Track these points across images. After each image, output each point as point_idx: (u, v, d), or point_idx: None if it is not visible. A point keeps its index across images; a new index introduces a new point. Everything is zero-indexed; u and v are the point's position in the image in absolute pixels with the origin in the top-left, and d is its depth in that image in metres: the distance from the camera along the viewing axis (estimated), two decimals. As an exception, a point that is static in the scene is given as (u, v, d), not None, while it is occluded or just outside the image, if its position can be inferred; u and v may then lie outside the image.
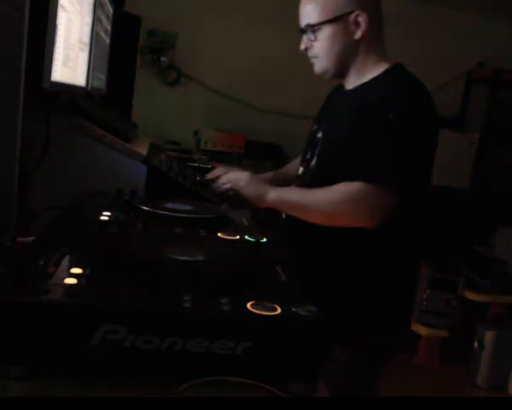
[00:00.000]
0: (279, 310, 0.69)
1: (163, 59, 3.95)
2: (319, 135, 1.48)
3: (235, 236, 1.01)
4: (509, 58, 4.12)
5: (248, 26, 3.87)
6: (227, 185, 1.44)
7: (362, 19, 1.36)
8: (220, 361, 0.66)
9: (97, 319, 0.63)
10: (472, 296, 3.34)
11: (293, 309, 0.70)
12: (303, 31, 1.43)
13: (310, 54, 1.44)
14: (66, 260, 0.77)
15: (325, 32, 1.38)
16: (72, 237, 0.88)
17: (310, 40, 1.42)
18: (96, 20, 1.67)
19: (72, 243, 0.84)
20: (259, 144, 3.90)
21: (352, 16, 1.36)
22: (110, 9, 2.08)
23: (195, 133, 3.96)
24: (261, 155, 3.84)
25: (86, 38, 1.60)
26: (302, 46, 1.45)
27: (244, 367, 0.67)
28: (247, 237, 1.02)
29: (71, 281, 0.69)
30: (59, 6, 1.18)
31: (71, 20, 1.34)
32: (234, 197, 1.43)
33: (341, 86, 1.51)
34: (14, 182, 1.00)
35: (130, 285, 0.70)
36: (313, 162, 1.47)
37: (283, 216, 1.55)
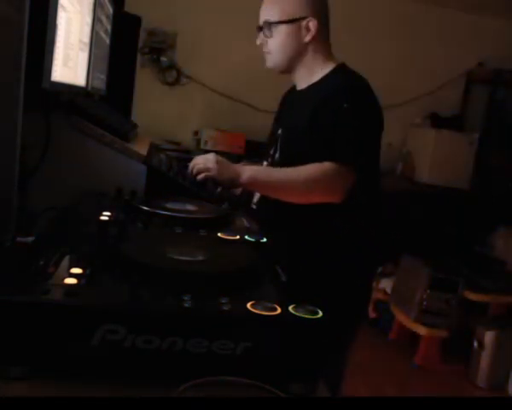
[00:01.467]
0: (279, 310, 0.69)
1: (163, 59, 3.95)
2: (279, 132, 1.66)
3: (235, 236, 1.01)
4: (508, 58, 4.13)
5: (248, 25, 3.86)
6: (200, 176, 1.47)
7: (312, 25, 1.54)
8: (220, 361, 0.66)
9: (97, 319, 0.63)
10: (472, 296, 3.34)
11: (293, 309, 0.70)
12: (260, 28, 1.60)
13: (264, 49, 1.62)
14: (66, 260, 0.77)
15: (280, 31, 1.56)
16: (72, 237, 0.88)
17: (266, 36, 1.59)
18: (96, 20, 1.67)
19: (72, 243, 0.84)
20: (259, 144, 3.90)
21: (305, 21, 1.54)
22: (110, 9, 2.08)
23: (195, 133, 3.96)
24: (261, 155, 3.84)
25: (86, 38, 1.60)
26: (258, 41, 1.63)
27: (244, 367, 0.67)
28: (247, 237, 1.02)
29: (71, 281, 0.69)
30: (59, 6, 1.18)
31: (71, 20, 1.34)
32: (210, 183, 1.50)
33: (294, 88, 1.71)
34: (14, 182, 1.00)
35: (130, 285, 0.70)
36: (277, 155, 1.64)
37: (254, 201, 1.68)
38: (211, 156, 1.50)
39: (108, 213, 1.03)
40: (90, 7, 1.62)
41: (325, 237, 1.53)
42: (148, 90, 3.74)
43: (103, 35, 1.94)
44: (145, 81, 3.68)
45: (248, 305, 0.69)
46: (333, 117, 1.47)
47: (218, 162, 1.47)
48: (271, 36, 1.57)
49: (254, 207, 1.69)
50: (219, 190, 1.56)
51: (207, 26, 3.93)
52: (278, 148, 1.64)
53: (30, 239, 0.98)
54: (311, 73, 1.60)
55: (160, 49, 3.93)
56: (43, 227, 0.97)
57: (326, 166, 1.45)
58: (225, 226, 1.10)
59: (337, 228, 1.54)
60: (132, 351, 0.64)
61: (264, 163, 1.72)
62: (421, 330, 3.32)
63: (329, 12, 1.62)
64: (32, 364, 0.64)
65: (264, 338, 0.67)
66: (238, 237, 1.01)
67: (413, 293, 3.34)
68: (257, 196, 1.69)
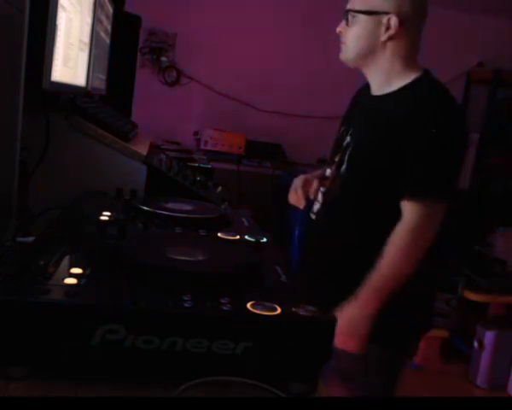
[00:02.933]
0: (279, 310, 0.69)
1: (163, 59, 3.95)
2: (348, 139, 1.51)
3: (235, 236, 1.01)
4: (508, 58, 4.13)
5: (248, 25, 3.87)
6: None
7: (393, 23, 1.40)
8: (220, 361, 0.66)
9: (97, 319, 0.63)
10: (472, 296, 3.34)
11: (293, 309, 0.70)
12: (344, 15, 1.48)
13: (342, 39, 1.50)
14: (66, 260, 0.77)
15: (358, 22, 1.43)
16: (72, 237, 0.88)
17: (345, 24, 1.47)
18: (95, 20, 1.67)
19: (72, 243, 0.84)
20: (259, 144, 3.90)
21: (386, 17, 1.40)
22: (110, 9, 2.08)
23: (195, 133, 3.96)
24: (261, 155, 3.84)
25: (86, 38, 1.60)
26: (338, 29, 1.50)
27: (244, 367, 0.67)
28: (247, 237, 1.02)
29: (71, 281, 0.69)
30: (59, 6, 1.18)
31: (71, 20, 1.34)
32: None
33: (367, 88, 1.54)
34: (14, 182, 1.00)
35: (130, 285, 0.70)
36: (343, 167, 1.49)
37: (314, 210, 1.59)
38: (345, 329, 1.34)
39: (108, 213, 1.03)
40: (90, 7, 1.62)
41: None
42: (148, 90, 3.74)
43: (103, 35, 1.94)
44: (145, 81, 3.68)
45: (248, 305, 0.69)
46: (417, 141, 1.34)
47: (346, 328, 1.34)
48: (349, 25, 1.45)
49: (313, 216, 1.59)
50: (219, 189, 1.56)
51: (207, 26, 3.93)
52: (346, 160, 1.48)
53: (30, 239, 0.98)
54: (386, 79, 1.46)
55: (160, 49, 3.93)
56: (43, 227, 0.97)
57: (414, 219, 1.34)
58: (225, 226, 1.09)
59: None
60: (132, 351, 0.64)
61: (328, 171, 1.57)
62: (421, 330, 3.32)
63: (426, 13, 1.46)
64: (32, 364, 0.64)
65: (264, 338, 0.67)
66: (238, 237, 1.01)
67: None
68: (317, 206, 1.59)
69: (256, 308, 0.68)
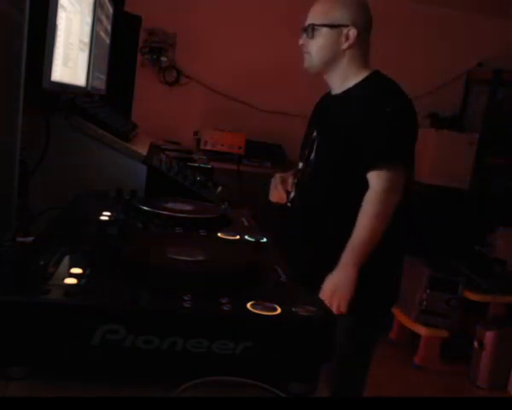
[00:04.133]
0: (279, 310, 0.69)
1: (163, 59, 3.95)
2: (315, 133, 1.73)
3: (235, 236, 1.01)
4: (508, 58, 4.13)
5: (248, 26, 3.87)
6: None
7: (352, 34, 1.64)
8: (220, 361, 0.66)
9: (97, 319, 0.63)
10: (472, 296, 3.34)
11: (293, 309, 0.70)
12: (305, 29, 1.70)
13: (304, 49, 1.71)
14: (66, 260, 0.77)
15: (321, 34, 1.66)
16: (72, 237, 0.88)
17: (308, 37, 1.68)
18: (95, 20, 1.67)
19: (72, 243, 0.84)
20: (259, 144, 3.90)
21: (346, 30, 1.64)
22: (110, 9, 2.08)
23: (195, 133, 3.96)
24: (261, 155, 3.84)
25: (86, 38, 1.60)
26: (300, 41, 1.72)
27: (244, 367, 0.67)
28: (247, 237, 1.02)
29: (71, 281, 0.69)
30: (59, 6, 1.18)
31: (71, 20, 1.34)
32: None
33: (328, 94, 1.79)
34: (14, 182, 1.00)
35: (130, 285, 0.70)
36: (312, 156, 1.71)
37: (288, 204, 1.78)
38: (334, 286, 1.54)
39: (108, 213, 1.03)
40: (90, 7, 1.62)
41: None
42: (148, 90, 3.74)
43: (103, 35, 1.94)
44: (145, 81, 3.68)
45: (248, 305, 0.69)
46: (375, 119, 1.56)
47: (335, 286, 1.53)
48: (313, 37, 1.67)
49: (289, 204, 1.78)
50: (219, 189, 1.57)
51: (207, 26, 3.93)
52: (314, 149, 1.71)
53: (30, 239, 0.98)
54: (344, 79, 1.68)
55: (160, 49, 3.93)
56: (43, 227, 0.97)
57: (380, 185, 1.53)
58: (225, 226, 1.09)
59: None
60: (132, 351, 0.64)
61: (300, 164, 1.80)
62: (421, 331, 3.32)
63: (372, 22, 1.72)
64: (32, 364, 0.64)
65: (264, 338, 0.67)
66: (238, 237, 1.01)
67: (413, 293, 3.34)
68: (292, 195, 1.78)
69: (256, 308, 0.68)
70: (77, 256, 0.80)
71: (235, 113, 4.03)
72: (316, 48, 1.67)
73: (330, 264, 1.55)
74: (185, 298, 0.68)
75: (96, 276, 0.72)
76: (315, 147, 1.71)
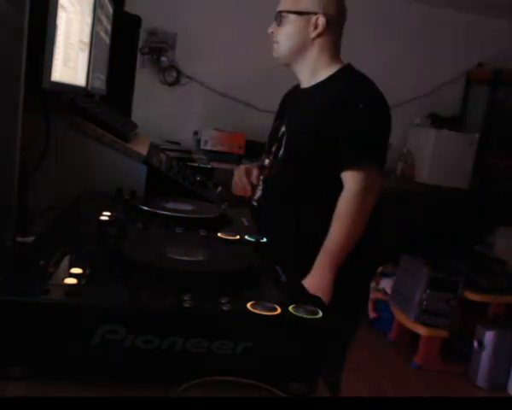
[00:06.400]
0: (279, 310, 0.69)
1: (163, 59, 3.95)
2: (283, 129, 1.66)
3: (235, 236, 1.01)
4: (509, 58, 4.13)
5: (248, 25, 3.87)
6: None
7: (321, 22, 1.57)
8: (220, 361, 0.66)
9: (97, 319, 0.63)
10: (472, 296, 3.34)
11: (293, 309, 0.70)
12: (275, 17, 1.64)
13: (274, 38, 1.65)
14: (66, 260, 0.77)
15: (289, 22, 1.60)
16: (72, 237, 0.88)
17: (277, 25, 1.63)
18: (95, 20, 1.67)
19: (72, 243, 0.84)
20: (259, 144, 3.89)
21: (314, 17, 1.57)
22: (110, 9, 2.08)
23: (195, 133, 3.96)
24: (261, 155, 3.83)
25: (86, 38, 1.60)
26: (269, 30, 1.66)
27: (244, 367, 0.67)
28: (247, 237, 1.02)
29: (71, 281, 0.69)
30: (59, 6, 1.18)
31: (71, 20, 1.34)
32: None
33: (296, 88, 1.72)
34: (14, 182, 1.00)
35: (130, 285, 0.70)
36: (280, 152, 1.63)
37: (255, 198, 1.70)
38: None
39: (108, 213, 1.03)
40: (90, 7, 1.61)
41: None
42: (148, 90, 3.74)
43: (103, 35, 1.94)
44: (145, 81, 3.68)
45: (248, 305, 0.69)
46: (348, 117, 1.49)
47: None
48: (281, 25, 1.61)
49: (255, 203, 1.70)
50: (219, 189, 1.57)
51: (207, 26, 3.93)
52: (283, 145, 1.63)
53: (30, 239, 0.98)
54: (314, 72, 1.61)
55: (160, 49, 3.93)
56: (43, 227, 0.97)
57: (356, 185, 1.48)
58: (225, 226, 1.09)
59: None
60: (132, 351, 0.64)
61: (266, 160, 1.72)
62: (421, 330, 3.32)
63: (346, 15, 1.63)
64: (32, 364, 0.64)
65: (264, 338, 0.67)
66: (238, 237, 1.01)
67: (413, 293, 3.34)
68: (258, 193, 1.70)
69: (256, 308, 0.68)
70: (77, 256, 0.80)
71: (235, 113, 4.03)
72: (284, 36, 1.61)
73: (301, 269, 1.44)
74: (185, 298, 0.68)
75: (96, 276, 0.73)
76: (283, 143, 1.63)
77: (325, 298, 1.40)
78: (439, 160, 4.02)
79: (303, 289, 0.81)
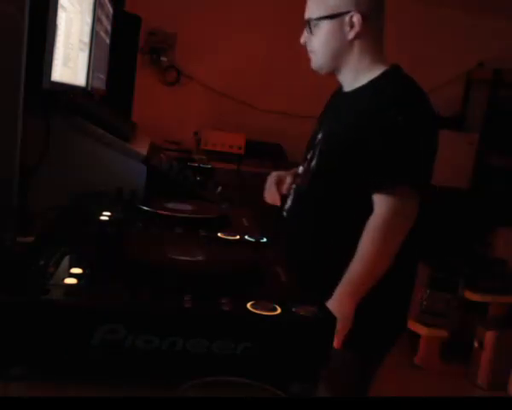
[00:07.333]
0: (279, 310, 0.69)
1: (163, 59, 3.95)
2: (319, 136, 1.52)
3: (235, 236, 1.01)
4: (508, 58, 4.13)
5: (248, 25, 3.87)
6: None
7: (356, 20, 1.40)
8: (220, 361, 0.66)
9: (97, 319, 0.63)
10: (472, 296, 3.34)
11: (293, 309, 0.70)
12: (306, 25, 1.48)
13: (308, 48, 1.51)
14: (66, 260, 0.77)
15: (322, 28, 1.44)
16: (72, 237, 0.88)
17: (308, 34, 1.47)
18: (95, 20, 1.67)
19: (72, 243, 0.84)
20: (260, 144, 3.90)
21: (348, 16, 1.40)
22: (110, 9, 2.08)
23: (195, 133, 3.96)
24: (261, 155, 3.84)
25: (86, 38, 1.60)
26: (302, 39, 1.50)
27: (244, 367, 0.67)
28: (247, 237, 1.02)
29: (71, 281, 0.69)
30: (59, 6, 1.18)
31: (71, 20, 1.34)
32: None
33: (341, 89, 1.55)
34: (14, 182, 1.00)
35: (130, 285, 0.70)
36: (313, 163, 1.50)
37: (285, 208, 1.58)
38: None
39: (108, 213, 1.03)
40: (90, 7, 1.61)
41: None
42: (148, 90, 3.74)
43: (103, 35, 1.94)
44: (145, 81, 3.67)
45: (248, 305, 0.69)
46: (383, 131, 1.33)
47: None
48: (313, 34, 1.45)
49: (285, 214, 1.58)
50: (219, 189, 1.57)
51: (207, 26, 3.92)
52: (316, 154, 1.49)
53: (30, 239, 0.98)
54: (355, 75, 1.46)
55: (160, 49, 3.92)
56: (43, 227, 0.96)
57: (386, 210, 1.30)
58: (225, 226, 1.09)
59: None
60: (132, 351, 0.64)
61: (300, 168, 1.60)
62: (421, 330, 3.32)
63: (384, 6, 1.46)
64: (32, 364, 0.64)
65: (264, 338, 0.67)
66: (238, 237, 1.01)
67: (413, 293, 3.33)
68: (289, 203, 1.58)
69: (256, 308, 0.68)
70: (77, 256, 0.80)
71: (235, 113, 4.03)
72: (318, 44, 1.45)
73: (322, 293, 1.31)
74: (185, 298, 0.68)
75: (97, 276, 0.73)
76: (317, 152, 1.48)
77: (345, 325, 1.29)
78: (439, 160, 4.00)
79: (303, 289, 0.81)
